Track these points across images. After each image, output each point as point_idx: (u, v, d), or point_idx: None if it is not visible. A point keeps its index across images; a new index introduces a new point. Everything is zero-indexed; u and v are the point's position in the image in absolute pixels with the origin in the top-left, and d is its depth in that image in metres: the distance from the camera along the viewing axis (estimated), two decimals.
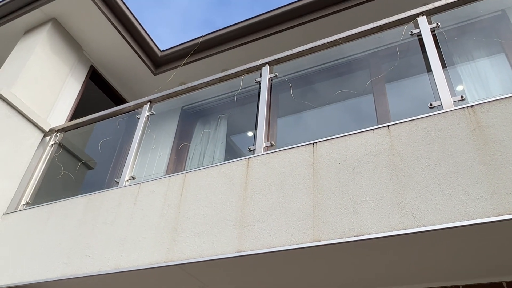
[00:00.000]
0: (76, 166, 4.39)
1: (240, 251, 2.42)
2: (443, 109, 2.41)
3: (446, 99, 2.46)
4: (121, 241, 2.92)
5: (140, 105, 3.98)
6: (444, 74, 2.62)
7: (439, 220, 2.01)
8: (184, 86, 3.82)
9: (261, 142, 2.94)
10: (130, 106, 4.04)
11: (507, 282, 2.69)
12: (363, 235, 2.14)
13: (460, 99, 2.44)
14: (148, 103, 3.94)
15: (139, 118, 3.88)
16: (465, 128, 2.24)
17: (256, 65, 3.50)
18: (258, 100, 3.28)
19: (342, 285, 2.95)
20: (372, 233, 2.12)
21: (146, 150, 4.21)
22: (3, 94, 4.05)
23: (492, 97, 2.29)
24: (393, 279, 2.80)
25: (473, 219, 1.94)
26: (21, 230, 3.53)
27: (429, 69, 2.75)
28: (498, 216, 1.90)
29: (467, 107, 2.32)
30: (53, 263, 3.09)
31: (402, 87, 3.52)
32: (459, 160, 2.14)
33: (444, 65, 2.70)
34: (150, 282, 3.04)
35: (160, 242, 2.75)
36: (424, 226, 2.03)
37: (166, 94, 3.91)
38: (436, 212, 2.04)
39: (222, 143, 4.20)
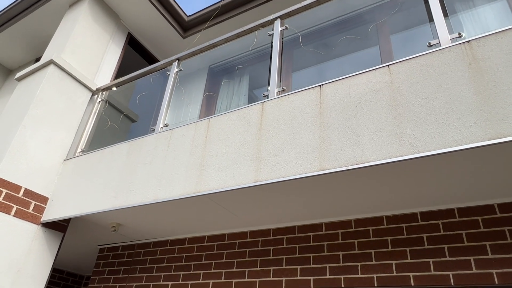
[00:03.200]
0: (121, 118, 4.42)
1: (257, 181, 2.39)
2: (441, 46, 2.20)
3: (444, 36, 2.24)
4: (158, 177, 2.95)
5: (170, 63, 3.90)
6: (443, 14, 2.38)
7: (434, 146, 1.89)
8: (206, 44, 3.69)
9: (274, 87, 2.82)
10: (162, 64, 3.97)
11: (499, 204, 2.57)
12: (364, 163, 2.05)
13: (458, 36, 2.22)
14: (177, 61, 3.85)
15: (169, 74, 3.81)
16: (461, 62, 2.05)
17: (269, 20, 3.31)
18: (271, 51, 3.13)
19: (347, 211, 2.91)
20: (372, 161, 2.03)
21: (180, 105, 4.18)
22: (55, 60, 4.05)
23: (488, 31, 2.06)
24: (393, 204, 2.73)
25: (466, 144, 1.81)
26: (78, 172, 3.63)
27: (428, 11, 2.51)
28: (490, 140, 1.76)
29: (463, 42, 2.11)
30: (104, 197, 3.18)
31: (403, 38, 3.26)
32: (455, 92, 1.98)
33: (443, 7, 2.44)
34: (183, 210, 3.09)
35: (190, 177, 2.76)
36: (420, 152, 1.91)
37: (191, 52, 3.80)
38: (431, 140, 1.91)
39: (245, 95, 4.11)
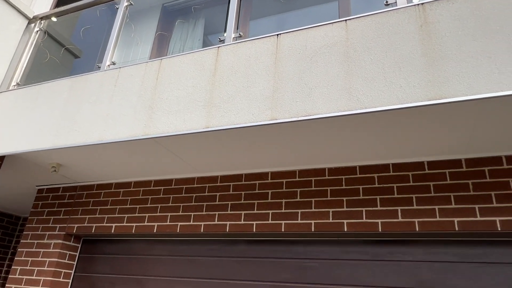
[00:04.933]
0: (63, 53, 4.07)
1: (208, 127, 2.38)
2: (397, 6, 2.24)
3: None
4: (103, 117, 2.81)
5: None
6: None
7: (379, 103, 1.99)
8: None
9: (231, 32, 2.73)
10: None
11: (428, 162, 2.81)
12: (313, 115, 2.11)
13: None
14: None
15: (118, 8, 3.52)
16: (414, 24, 2.11)
17: None
18: None
19: (293, 162, 3.03)
20: (322, 113, 2.09)
21: (129, 43, 3.92)
22: None
23: None
24: (335, 157, 2.88)
25: (408, 103, 1.92)
26: (13, 107, 3.35)
27: None
28: (429, 100, 1.88)
29: (418, 4, 2.16)
30: (44, 135, 2.99)
31: None
32: (404, 52, 2.05)
33: None
34: (129, 153, 3.01)
35: (138, 119, 2.67)
36: (366, 108, 2.00)
37: None
38: (378, 97, 2.00)
39: (199, 40, 3.95)
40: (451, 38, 1.95)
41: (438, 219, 2.61)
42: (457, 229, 2.55)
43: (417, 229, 2.64)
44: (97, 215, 3.81)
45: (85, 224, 3.83)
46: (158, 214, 3.56)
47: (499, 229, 2.46)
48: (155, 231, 3.50)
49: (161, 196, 3.64)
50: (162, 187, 3.69)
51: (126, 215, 3.68)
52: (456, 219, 2.57)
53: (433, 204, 2.66)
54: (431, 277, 2.72)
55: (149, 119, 2.61)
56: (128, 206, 3.74)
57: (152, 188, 3.74)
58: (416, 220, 2.67)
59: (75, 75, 3.17)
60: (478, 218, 2.52)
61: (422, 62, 1.97)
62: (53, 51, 3.99)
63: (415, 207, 2.71)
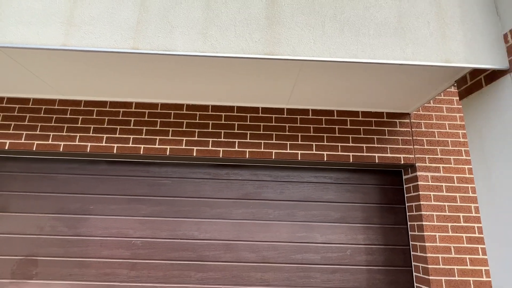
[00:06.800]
0: None
1: (66, 45, 1.93)
2: None
3: None
4: None
5: None
6: None
7: (228, 51, 1.94)
8: None
9: None
10: None
11: (263, 108, 3.01)
12: (172, 51, 1.93)
13: None
14: None
15: None
16: None
17: None
18: None
19: (156, 94, 2.81)
20: (180, 51, 1.93)
21: None
22: None
23: None
24: (192, 95, 2.80)
25: (250, 54, 1.93)
26: None
27: None
28: (265, 55, 1.93)
29: None
30: None
31: None
32: (253, 12, 2.02)
33: None
34: None
35: None
36: (217, 53, 1.93)
37: None
38: (228, 46, 1.95)
39: None
40: (288, 8, 2.01)
41: (262, 150, 2.87)
42: (273, 158, 2.86)
43: (247, 157, 2.85)
44: None
45: None
46: (11, 131, 2.87)
47: (299, 159, 2.87)
48: (6, 147, 2.83)
49: (16, 114, 2.93)
50: (17, 105, 2.96)
51: None
52: (273, 151, 2.87)
53: (261, 139, 2.90)
54: (252, 191, 3.03)
55: None
56: None
57: (4, 105, 2.96)
58: (247, 150, 2.87)
59: None
60: (288, 151, 2.88)
61: (264, 23, 1.99)
62: None
63: (248, 140, 2.90)
